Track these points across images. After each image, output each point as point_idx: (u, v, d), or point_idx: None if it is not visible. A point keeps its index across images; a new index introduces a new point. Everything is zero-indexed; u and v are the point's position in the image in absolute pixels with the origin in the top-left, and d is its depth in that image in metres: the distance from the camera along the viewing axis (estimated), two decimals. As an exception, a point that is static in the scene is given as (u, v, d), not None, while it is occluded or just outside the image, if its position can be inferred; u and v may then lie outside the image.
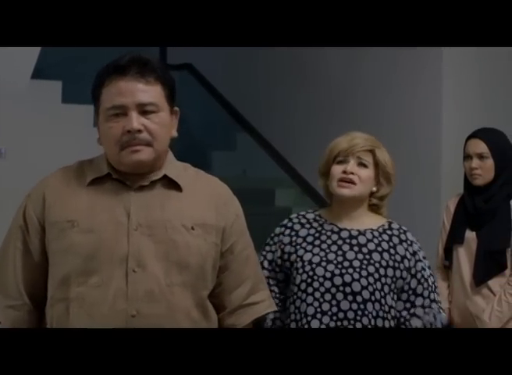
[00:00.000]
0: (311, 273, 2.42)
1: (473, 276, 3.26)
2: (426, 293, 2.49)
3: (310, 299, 2.41)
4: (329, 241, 2.49)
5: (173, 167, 2.06)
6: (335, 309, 2.39)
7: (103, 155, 2.05)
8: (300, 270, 2.45)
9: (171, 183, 2.03)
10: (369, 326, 2.38)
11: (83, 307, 1.93)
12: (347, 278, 2.41)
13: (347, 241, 2.48)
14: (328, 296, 2.40)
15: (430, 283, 2.51)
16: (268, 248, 2.55)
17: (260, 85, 5.94)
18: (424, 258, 2.52)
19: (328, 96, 5.26)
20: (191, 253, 1.98)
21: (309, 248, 2.48)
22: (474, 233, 3.29)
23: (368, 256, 2.45)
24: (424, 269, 2.50)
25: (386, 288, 2.43)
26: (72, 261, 1.94)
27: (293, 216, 2.60)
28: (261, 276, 2.22)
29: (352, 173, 2.46)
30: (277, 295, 2.49)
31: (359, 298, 2.39)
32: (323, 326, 2.38)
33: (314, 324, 2.39)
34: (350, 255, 2.45)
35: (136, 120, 1.94)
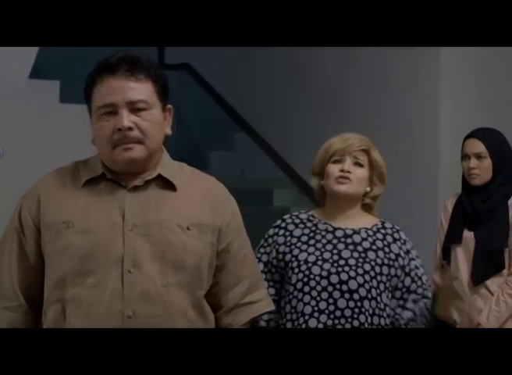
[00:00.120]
0: (307, 272, 2.43)
1: (471, 276, 3.26)
2: (420, 290, 2.51)
3: (307, 298, 2.41)
4: (324, 241, 2.49)
5: (168, 167, 2.05)
6: (332, 308, 2.39)
7: (98, 155, 2.04)
8: (296, 270, 2.45)
9: (166, 183, 2.02)
10: (366, 324, 2.39)
11: (80, 308, 1.92)
12: (344, 276, 2.41)
13: (342, 239, 2.49)
14: (325, 294, 2.40)
15: (424, 281, 2.53)
16: (262, 249, 2.55)
17: (258, 85, 5.94)
18: (417, 256, 2.54)
19: (326, 96, 5.26)
20: (187, 253, 1.96)
21: (304, 247, 2.48)
22: (472, 233, 3.29)
23: (363, 254, 2.45)
24: (417, 267, 2.52)
25: (382, 286, 2.44)
26: (68, 262, 1.93)
27: (286, 216, 2.60)
28: (259, 275, 2.21)
29: (349, 172, 2.47)
30: (273, 297, 2.48)
31: (356, 296, 2.40)
32: (321, 325, 2.38)
33: (312, 323, 2.39)
34: (346, 253, 2.45)
35: (126, 118, 1.93)
